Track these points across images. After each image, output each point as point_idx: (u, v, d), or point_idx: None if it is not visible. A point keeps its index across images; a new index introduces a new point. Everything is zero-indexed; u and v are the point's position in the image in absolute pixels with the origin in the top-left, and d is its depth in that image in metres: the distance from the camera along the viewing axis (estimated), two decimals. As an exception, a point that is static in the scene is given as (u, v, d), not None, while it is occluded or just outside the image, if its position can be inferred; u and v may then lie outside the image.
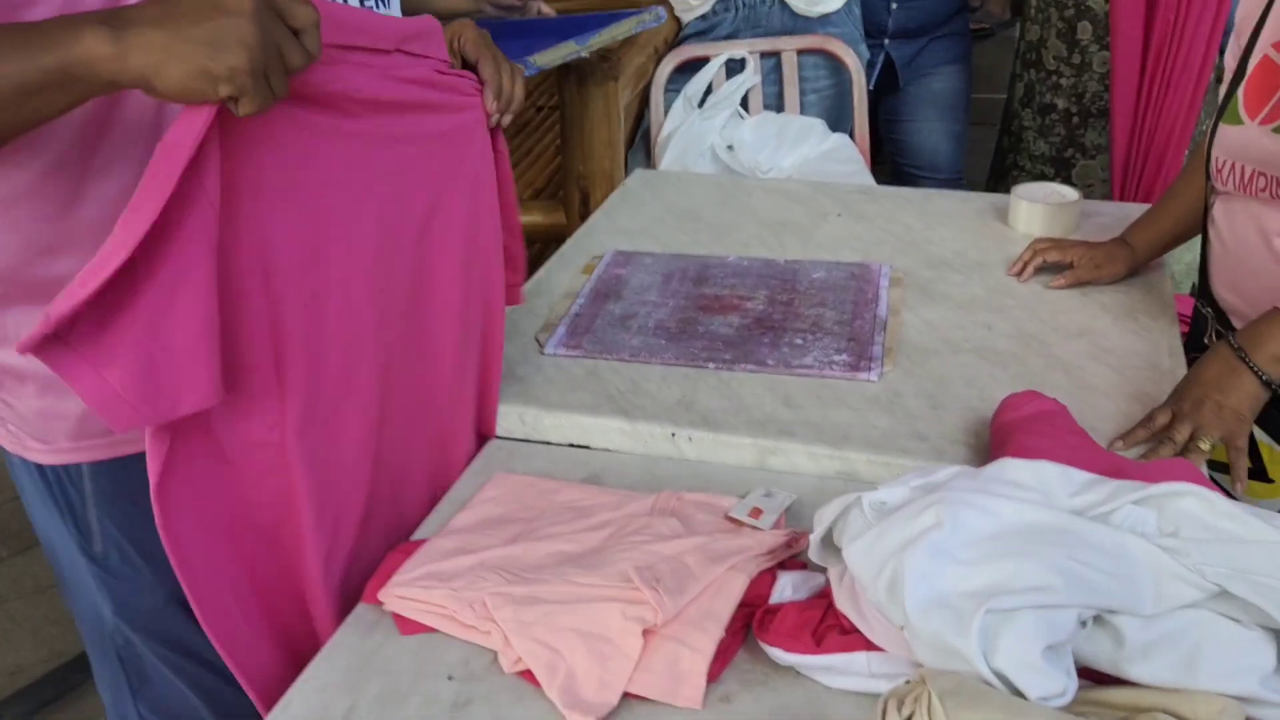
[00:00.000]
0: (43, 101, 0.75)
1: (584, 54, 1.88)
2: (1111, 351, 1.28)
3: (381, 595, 0.94)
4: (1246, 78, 1.23)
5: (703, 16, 2.38)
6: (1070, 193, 1.61)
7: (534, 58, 1.80)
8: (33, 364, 0.84)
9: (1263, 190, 1.20)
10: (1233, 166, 1.24)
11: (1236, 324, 1.29)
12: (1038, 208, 1.58)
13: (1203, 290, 1.34)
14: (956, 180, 2.72)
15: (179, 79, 0.74)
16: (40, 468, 1.00)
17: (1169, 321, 1.34)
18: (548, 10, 1.96)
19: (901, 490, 0.86)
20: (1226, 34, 1.65)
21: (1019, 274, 1.46)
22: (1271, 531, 0.75)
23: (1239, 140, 1.22)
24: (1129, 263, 1.43)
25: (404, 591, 0.93)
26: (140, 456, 0.87)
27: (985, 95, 3.62)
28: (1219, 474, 1.09)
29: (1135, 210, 1.65)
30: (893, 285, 1.46)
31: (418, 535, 1.06)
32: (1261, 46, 1.23)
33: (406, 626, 0.92)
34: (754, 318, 1.39)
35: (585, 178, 2.11)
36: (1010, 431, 1.06)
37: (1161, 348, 1.28)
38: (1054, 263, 1.45)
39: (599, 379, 1.26)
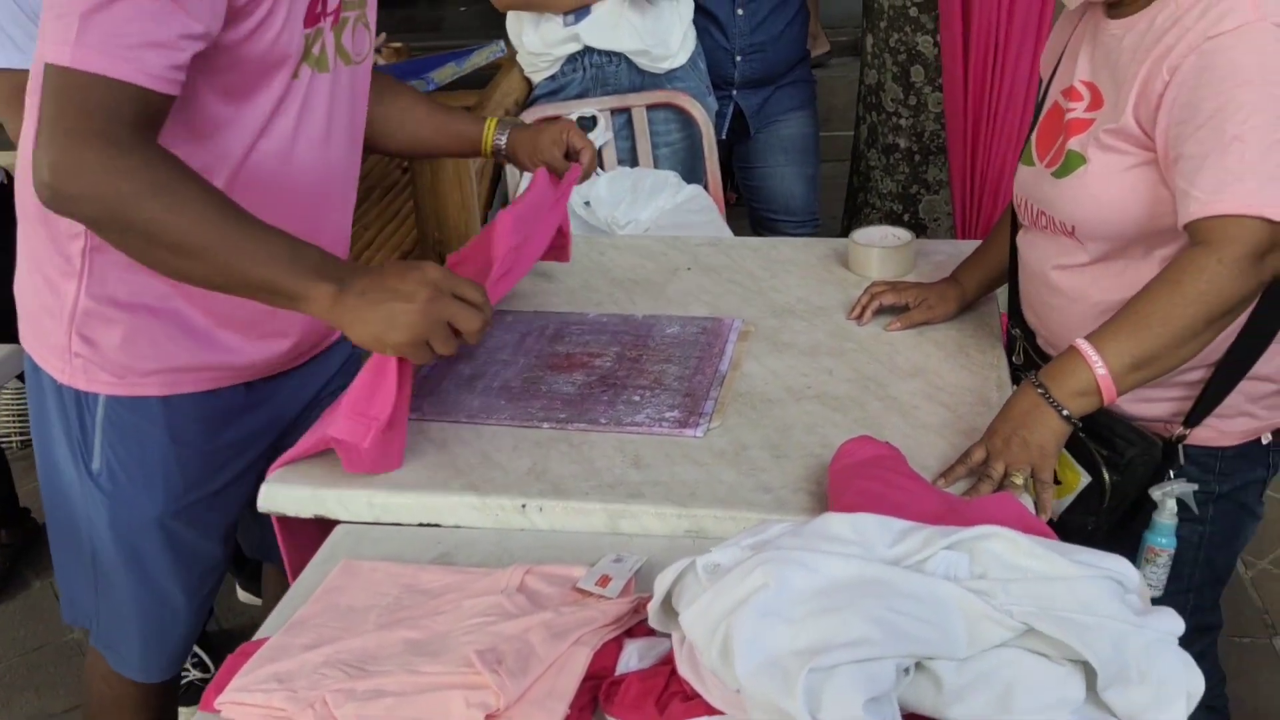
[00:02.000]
0: (251, 293, 1.08)
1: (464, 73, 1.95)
2: (944, 389, 1.33)
3: (218, 703, 0.91)
4: (1038, 122, 1.31)
5: (552, 77, 2.42)
6: (904, 234, 1.68)
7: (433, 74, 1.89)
8: (124, 314, 1.21)
9: (1044, 227, 1.29)
10: (1026, 203, 1.33)
11: (1040, 345, 1.37)
12: (873, 251, 1.64)
13: (1013, 312, 1.42)
14: (812, 221, 2.80)
15: (360, 339, 1.09)
16: (61, 396, 1.27)
17: (997, 355, 1.41)
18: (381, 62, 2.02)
19: (734, 551, 0.88)
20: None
21: (858, 318, 1.51)
22: (1072, 567, 0.79)
23: (1031, 179, 1.31)
24: (959, 301, 1.49)
25: (241, 697, 0.91)
26: (153, 400, 1.26)
27: (834, 133, 3.75)
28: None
29: (969, 247, 1.73)
30: (740, 338, 1.49)
31: (260, 634, 1.03)
32: (1053, 93, 1.31)
33: (247, 733, 0.90)
34: (599, 375, 1.40)
35: (441, 242, 2.12)
36: (848, 478, 1.10)
37: (990, 382, 1.34)
38: (890, 305, 1.50)
39: (447, 452, 1.26)
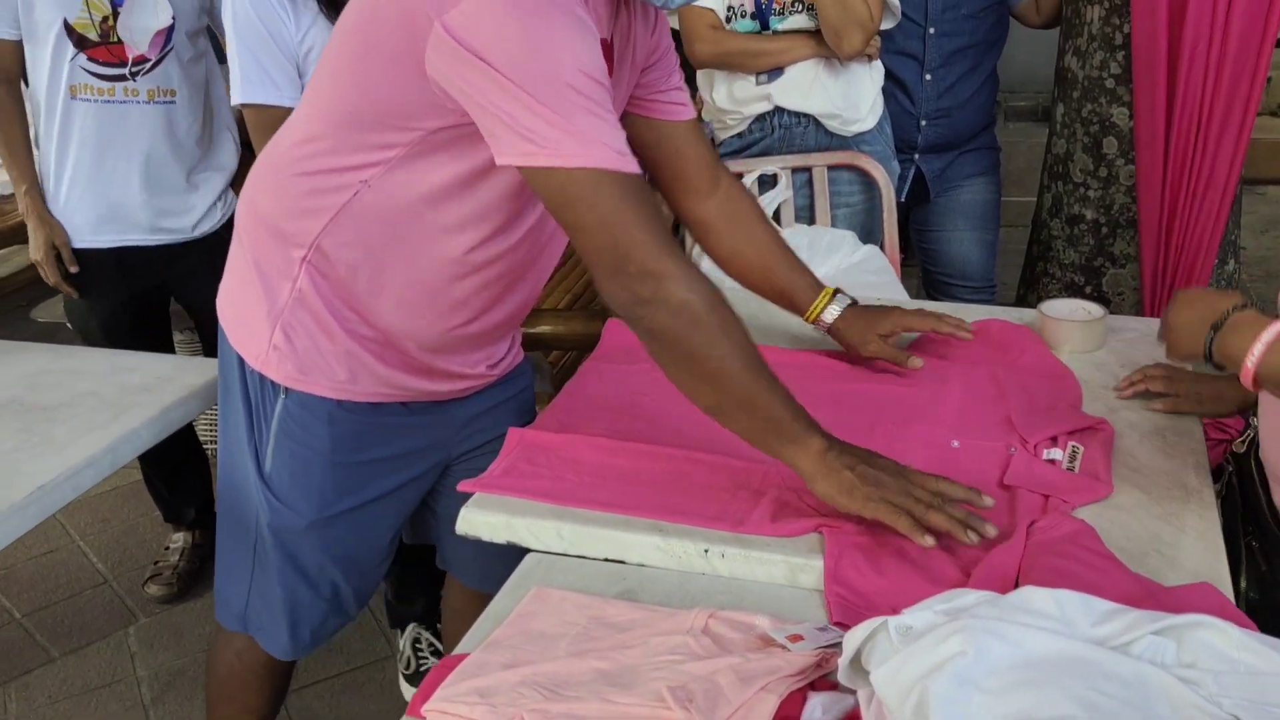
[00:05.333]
0: (751, 420, 1.18)
1: None
2: (1139, 470, 1.30)
3: (425, 710, 0.97)
4: None
5: (739, 134, 2.48)
6: (1096, 309, 1.65)
7: None
8: (319, 327, 1.33)
9: None
10: None
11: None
12: (1064, 324, 1.62)
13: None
14: (989, 288, 2.77)
15: (823, 493, 1.17)
16: (247, 380, 1.39)
17: (1196, 440, 1.37)
18: None
19: (927, 615, 0.89)
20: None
21: (1123, 391, 1.46)
22: (1288, 664, 0.77)
23: None
24: (1238, 403, 1.41)
25: (447, 706, 0.96)
26: (327, 402, 1.37)
27: (1008, 198, 3.71)
28: None
29: (1161, 325, 1.69)
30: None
31: (460, 649, 1.09)
32: None
33: (449, 741, 0.96)
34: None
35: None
36: (1040, 553, 1.09)
37: (1188, 465, 1.31)
38: (1158, 393, 1.45)
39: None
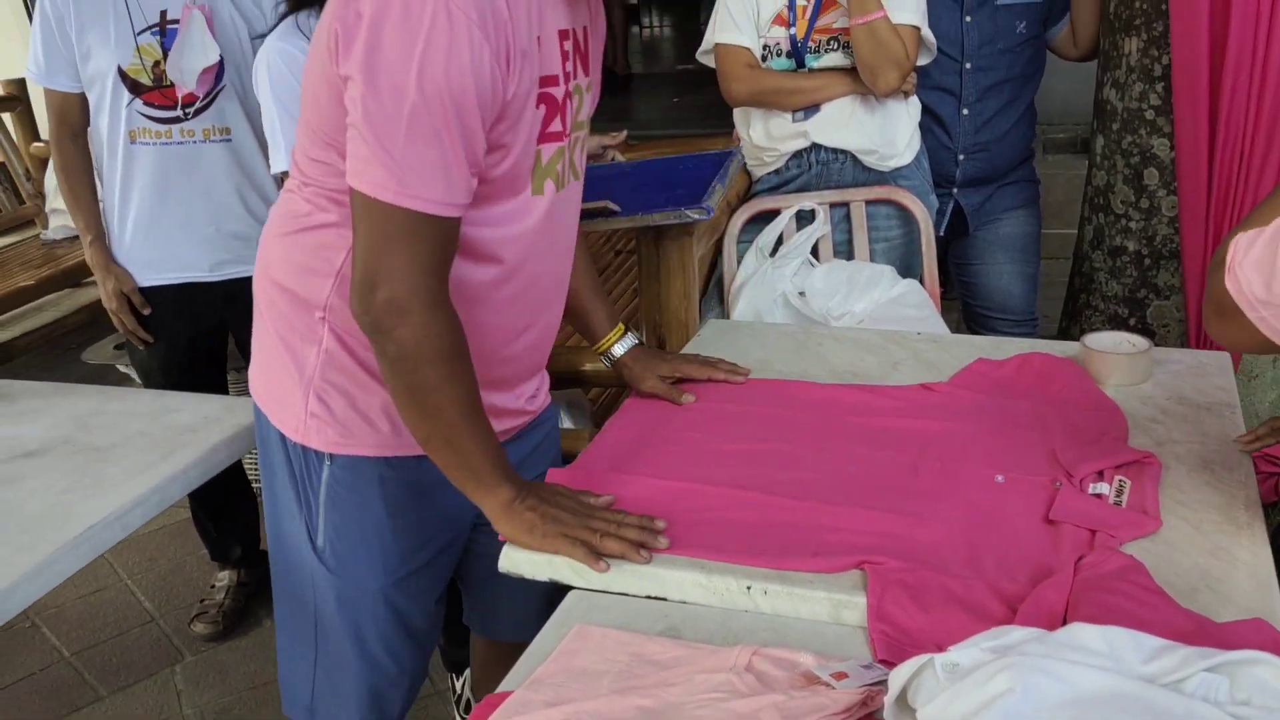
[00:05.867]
0: (453, 467, 1.26)
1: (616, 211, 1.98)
2: (1187, 504, 1.28)
3: (468, 749, 0.97)
4: None
5: (776, 171, 2.49)
6: (1141, 341, 1.64)
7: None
8: (353, 383, 1.32)
9: None
10: None
11: None
12: (1109, 357, 1.61)
13: None
14: (1031, 320, 2.75)
15: (508, 536, 1.27)
16: (288, 454, 1.37)
17: (1245, 472, 1.34)
18: (620, 157, 2.09)
19: (973, 652, 0.88)
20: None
21: (1246, 443, 1.40)
22: (1348, 702, 0.76)
23: None
24: None
25: (490, 745, 0.96)
26: (374, 461, 1.36)
27: (1048, 230, 3.68)
28: None
29: (1209, 359, 1.67)
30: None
31: (503, 687, 1.09)
32: None
33: (492, 780, 0.95)
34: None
35: (662, 326, 2.19)
36: (1089, 589, 1.07)
37: (1238, 501, 1.28)
38: None
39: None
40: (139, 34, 2.17)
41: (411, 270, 1.15)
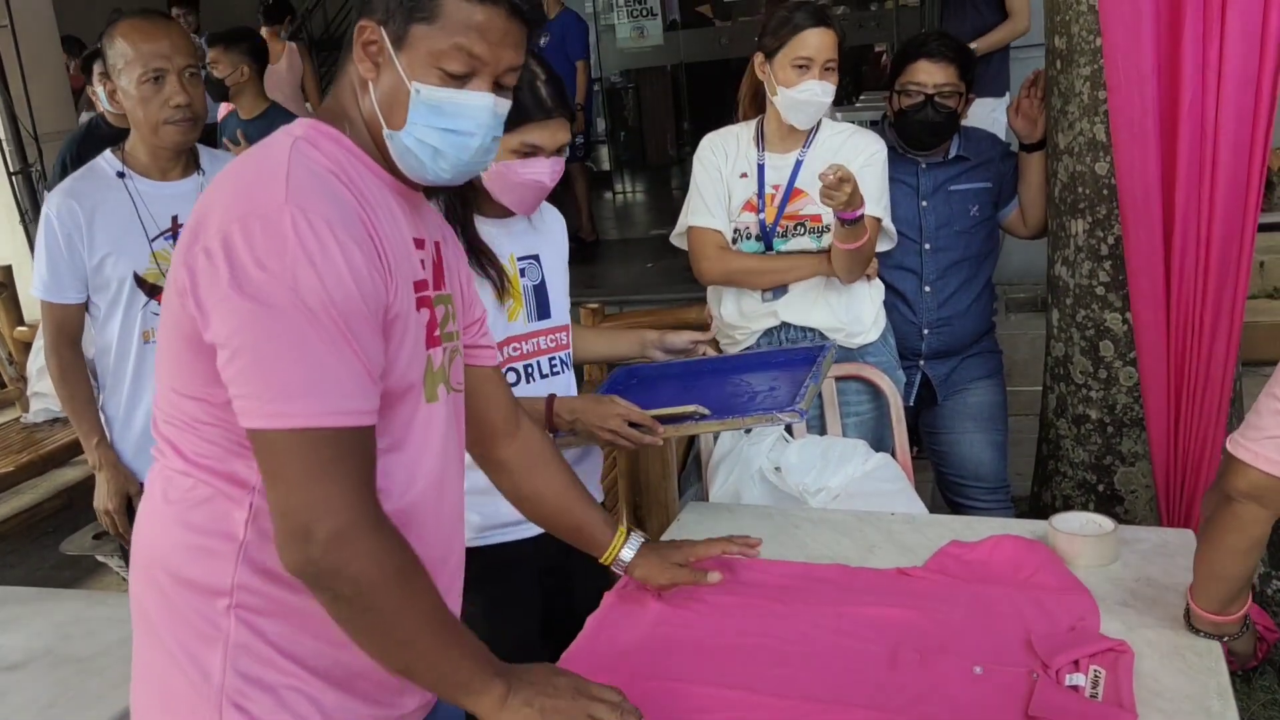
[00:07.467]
0: (436, 683, 1.16)
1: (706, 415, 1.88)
2: (1161, 694, 1.31)
3: None
4: None
5: (748, 349, 2.57)
6: (1107, 523, 1.68)
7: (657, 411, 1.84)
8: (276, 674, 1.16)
9: None
10: None
11: None
12: (1076, 539, 1.65)
13: None
14: (1003, 487, 2.80)
15: None
16: None
17: (1215, 659, 1.37)
18: (711, 352, 2.11)
19: None
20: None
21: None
22: None
23: None
24: None
25: None
26: None
27: (1021, 388, 3.77)
28: None
29: (1173, 537, 1.72)
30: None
31: None
32: None
33: None
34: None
35: (641, 508, 2.23)
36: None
37: (1210, 689, 1.31)
38: None
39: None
40: (153, 240, 2.22)
41: (347, 496, 1.06)
